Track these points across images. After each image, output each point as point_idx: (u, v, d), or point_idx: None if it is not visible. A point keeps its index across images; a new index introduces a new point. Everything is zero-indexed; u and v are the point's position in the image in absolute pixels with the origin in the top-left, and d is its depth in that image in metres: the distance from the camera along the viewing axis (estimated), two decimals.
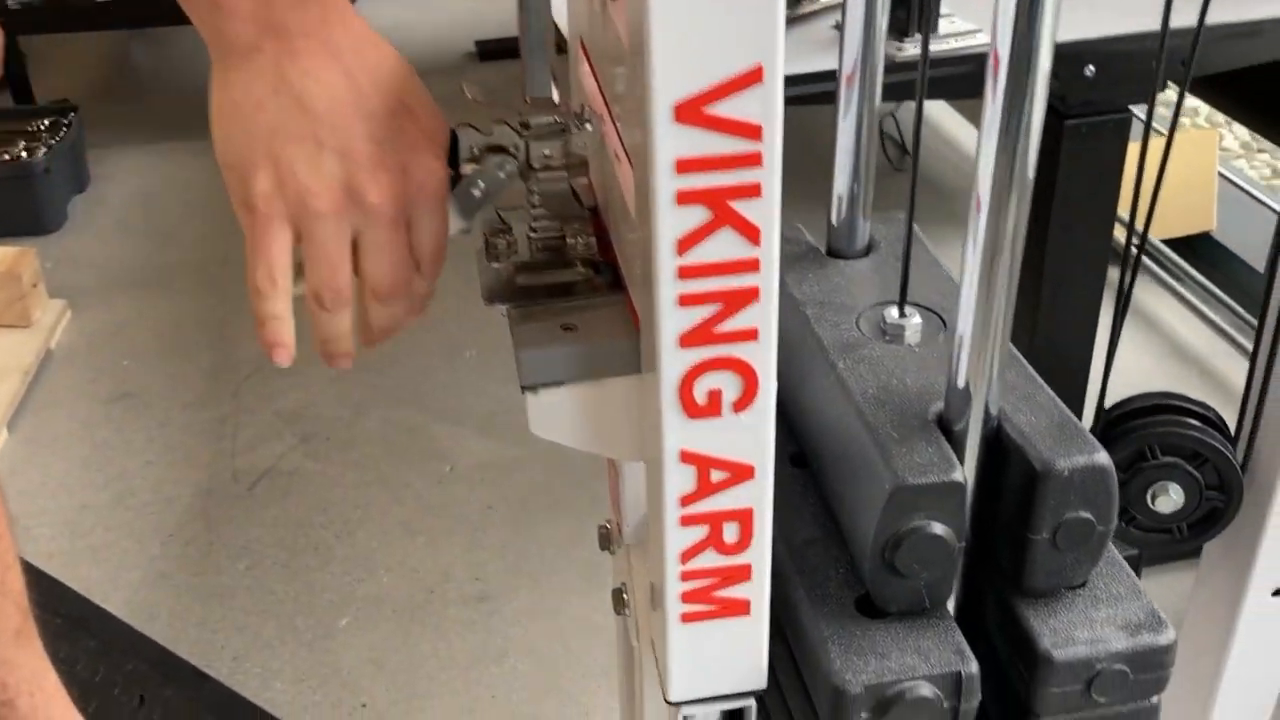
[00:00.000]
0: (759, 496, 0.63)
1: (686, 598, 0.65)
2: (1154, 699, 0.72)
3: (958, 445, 0.68)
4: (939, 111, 2.94)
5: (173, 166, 3.15)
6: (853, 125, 0.81)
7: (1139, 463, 0.90)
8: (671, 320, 0.56)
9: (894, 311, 0.79)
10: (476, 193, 0.66)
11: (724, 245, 0.55)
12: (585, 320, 0.67)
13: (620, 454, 0.70)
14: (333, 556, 1.82)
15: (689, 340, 0.57)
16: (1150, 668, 0.69)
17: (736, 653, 0.68)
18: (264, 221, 0.61)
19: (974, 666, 0.67)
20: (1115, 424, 0.91)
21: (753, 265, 0.55)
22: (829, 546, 0.75)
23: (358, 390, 2.22)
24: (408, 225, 0.63)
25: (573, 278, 0.70)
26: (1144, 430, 0.88)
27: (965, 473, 0.68)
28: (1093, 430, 0.91)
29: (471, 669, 1.60)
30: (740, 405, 0.59)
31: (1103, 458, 0.66)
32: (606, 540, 0.94)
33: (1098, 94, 1.27)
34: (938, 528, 0.66)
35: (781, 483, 0.80)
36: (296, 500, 1.94)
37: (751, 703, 0.72)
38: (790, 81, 0.52)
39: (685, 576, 0.65)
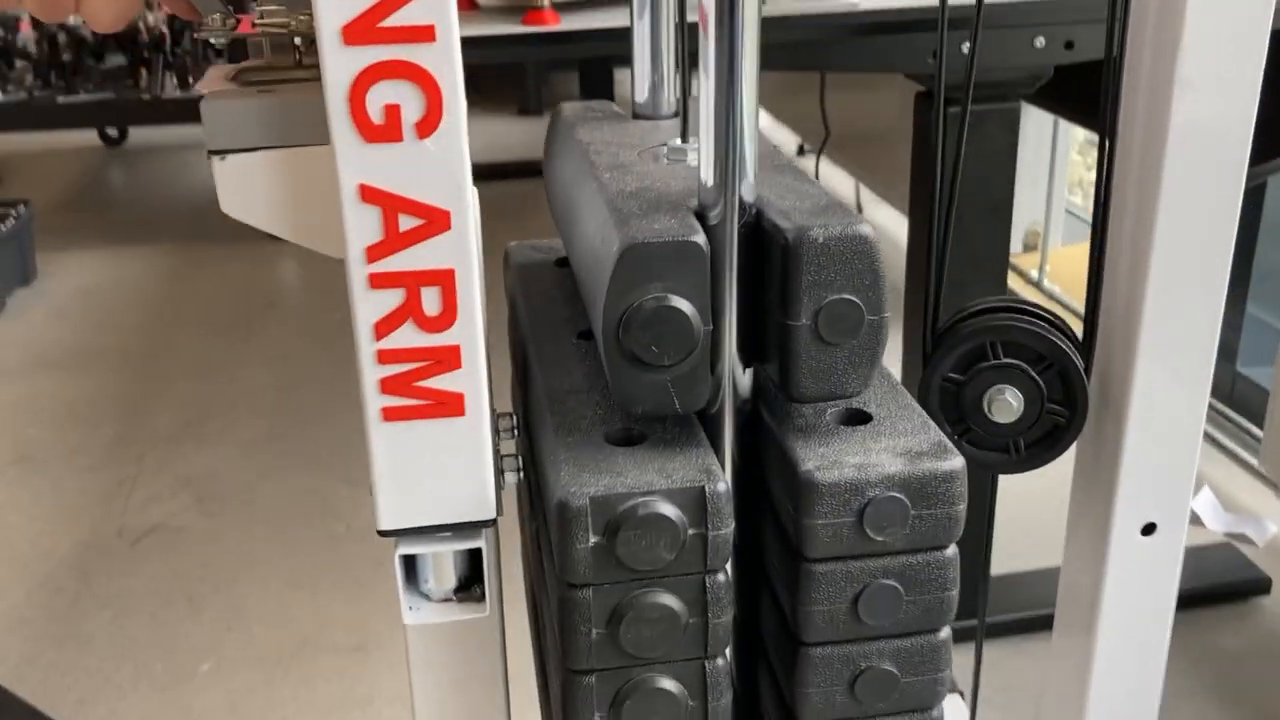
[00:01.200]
0: (461, 255, 0.55)
1: (386, 386, 0.57)
2: (947, 549, 0.62)
3: (713, 235, 0.60)
4: None
5: (120, 268, 3.15)
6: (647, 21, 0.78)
7: (977, 364, 0.82)
8: (330, 4, 0.50)
9: (678, 141, 0.72)
10: None
11: None
12: (288, 90, 0.61)
13: (319, 243, 0.63)
14: (205, 606, 1.70)
15: (354, 33, 0.51)
16: (933, 500, 0.60)
17: (455, 469, 0.60)
18: None
19: (722, 486, 0.58)
20: (957, 324, 0.83)
21: None
22: (591, 395, 0.67)
23: (267, 457, 2.13)
24: None
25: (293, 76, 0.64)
26: (984, 329, 0.81)
27: (723, 270, 0.60)
28: (932, 330, 0.84)
29: (332, 714, 1.47)
30: (425, 128, 0.53)
31: (865, 228, 0.59)
32: None
33: None
34: (675, 300, 0.58)
35: (563, 353, 0.73)
36: (179, 556, 1.83)
37: (481, 542, 0.63)
38: None
39: (382, 357, 0.57)
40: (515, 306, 0.84)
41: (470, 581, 0.66)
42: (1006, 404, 0.82)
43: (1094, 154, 3.57)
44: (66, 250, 3.25)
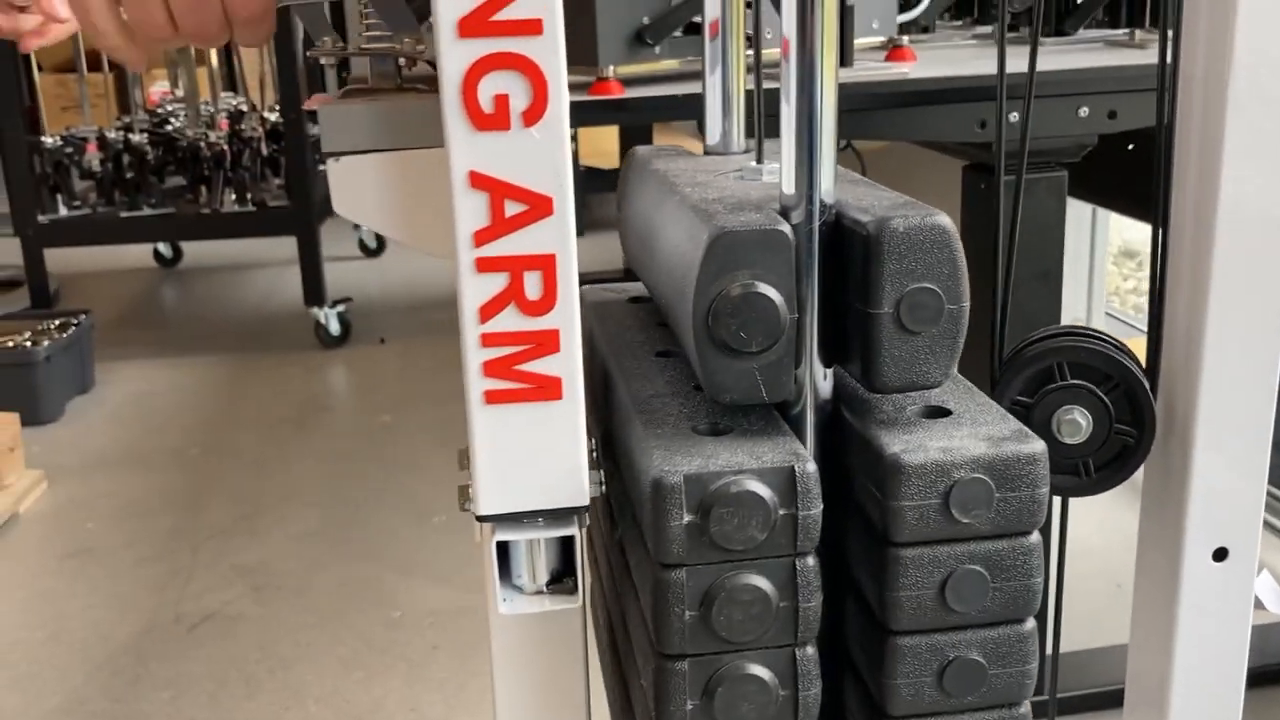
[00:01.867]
0: (561, 241, 0.59)
1: (489, 369, 0.60)
2: (1031, 535, 0.63)
3: (795, 232, 0.63)
4: None
5: (175, 376, 3.21)
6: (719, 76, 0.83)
7: (1045, 386, 0.83)
8: (448, 2, 0.54)
9: (753, 163, 0.76)
10: None
11: None
12: (396, 97, 0.65)
13: (420, 240, 0.66)
14: (262, 688, 1.70)
15: (468, 27, 0.55)
16: (1017, 482, 0.62)
17: (552, 453, 0.62)
18: None
19: (811, 467, 0.60)
20: (1023, 350, 0.85)
21: None
22: (675, 399, 0.70)
23: (319, 548, 2.15)
24: None
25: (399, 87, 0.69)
26: (1051, 351, 0.83)
27: (805, 262, 0.63)
28: (999, 356, 0.86)
29: None
30: (531, 117, 0.56)
31: (944, 219, 0.61)
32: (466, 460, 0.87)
33: None
34: (762, 286, 0.60)
35: (644, 368, 0.76)
36: (236, 640, 1.84)
37: (575, 529, 0.64)
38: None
39: (485, 340, 0.59)
40: (592, 338, 0.87)
41: (560, 574, 0.67)
42: (1075, 424, 0.83)
43: (1129, 265, 3.59)
44: (123, 361, 3.32)
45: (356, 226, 4.43)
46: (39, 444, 2.71)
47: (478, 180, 0.57)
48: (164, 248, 4.46)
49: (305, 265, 3.42)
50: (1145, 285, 3.47)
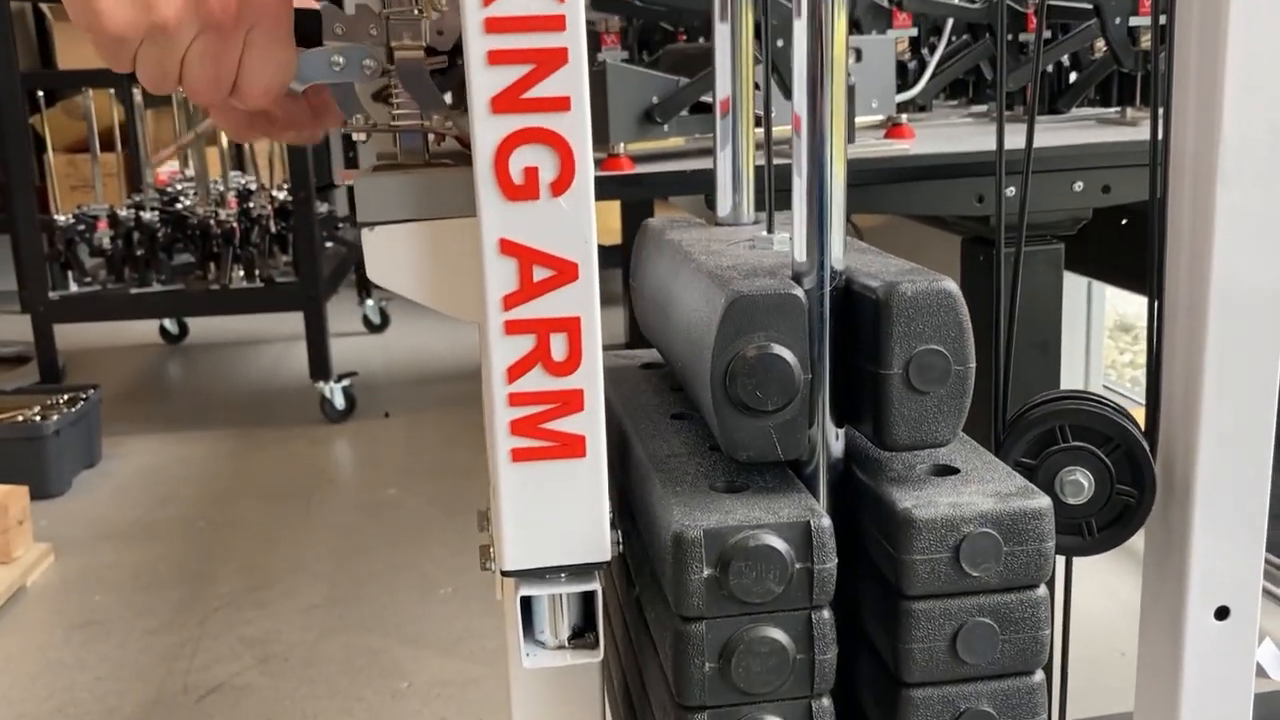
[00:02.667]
0: (586, 304, 0.62)
1: (516, 428, 0.63)
2: (1038, 588, 0.65)
3: (808, 297, 0.66)
4: None
5: (182, 450, 3.23)
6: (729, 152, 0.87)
7: (1048, 448, 0.86)
8: (482, 80, 0.58)
9: (764, 233, 0.79)
10: (336, 66, 0.70)
11: None
12: (429, 170, 0.69)
13: (452, 306, 0.69)
14: None
15: (500, 104, 0.58)
16: (1024, 536, 0.64)
17: (576, 509, 0.64)
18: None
19: (826, 521, 0.63)
20: (1026, 413, 0.88)
21: (558, 23, 0.58)
22: (692, 458, 0.72)
23: (326, 620, 2.15)
24: (245, 44, 0.65)
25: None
26: (1054, 414, 0.85)
27: (817, 326, 0.66)
28: (1002, 420, 0.89)
29: None
30: (558, 187, 0.60)
31: (950, 285, 0.64)
32: (485, 521, 0.89)
33: None
34: (778, 348, 0.63)
35: (660, 429, 0.79)
36: (244, 712, 1.84)
37: (597, 584, 0.66)
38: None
39: (513, 400, 0.62)
40: (608, 401, 0.89)
41: (580, 630, 0.69)
42: (1078, 484, 0.85)
43: (1124, 339, 3.62)
44: (130, 435, 3.34)
45: (361, 302, 4.49)
46: (46, 517, 2.72)
47: (508, 247, 0.60)
48: (170, 324, 4.50)
49: (311, 340, 3.45)
50: (1141, 359, 3.51)
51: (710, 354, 0.63)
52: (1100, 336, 3.19)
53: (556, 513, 0.64)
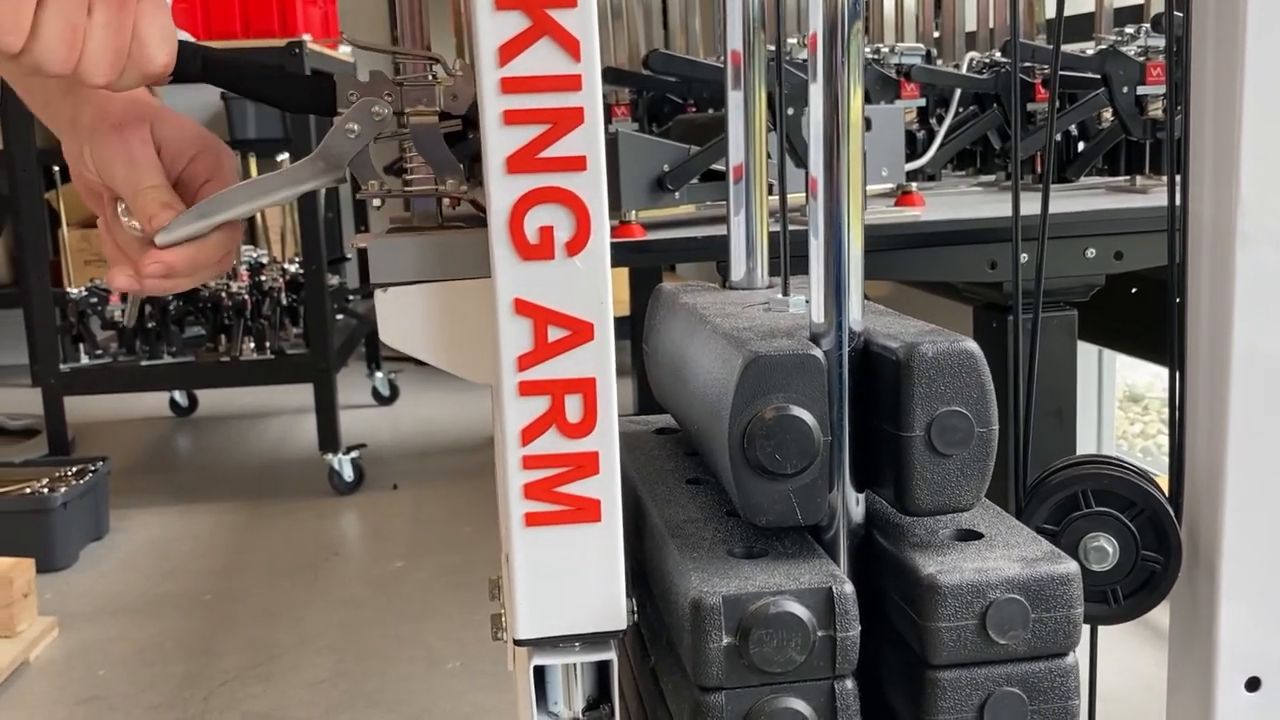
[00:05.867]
0: (601, 365, 0.61)
1: (530, 491, 0.61)
2: (1067, 656, 0.63)
3: (826, 359, 0.65)
4: None
5: (189, 523, 3.22)
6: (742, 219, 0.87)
7: (1070, 514, 0.84)
8: (498, 139, 0.58)
9: (778, 295, 0.79)
10: (352, 134, 0.70)
11: (545, 57, 0.57)
12: (442, 232, 0.68)
13: (465, 368, 0.68)
14: None
15: (516, 164, 0.58)
16: (1052, 602, 0.62)
17: (591, 576, 0.63)
18: None
19: (848, 588, 0.61)
20: (1046, 479, 0.86)
21: (574, 83, 0.58)
22: (709, 524, 0.71)
23: (332, 695, 2.12)
24: (137, 14, 0.62)
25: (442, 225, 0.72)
26: (1074, 476, 0.84)
27: (835, 387, 0.65)
28: (1023, 485, 0.87)
29: None
30: (574, 247, 0.59)
31: (971, 345, 0.63)
32: (497, 590, 0.87)
33: None
34: (796, 409, 0.62)
35: (675, 494, 0.77)
36: None
37: (612, 655, 0.65)
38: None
39: (527, 463, 0.61)
40: (623, 465, 0.88)
41: (596, 700, 0.67)
42: (1102, 550, 0.83)
43: (1134, 409, 3.59)
44: (138, 508, 3.32)
45: (370, 374, 4.49)
46: (52, 590, 2.69)
47: (522, 307, 0.59)
48: (180, 396, 4.50)
49: (321, 412, 3.45)
50: (1152, 429, 3.49)
51: (728, 416, 0.62)
52: (1112, 406, 3.17)
53: (571, 579, 0.62)
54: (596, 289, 0.60)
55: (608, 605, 0.63)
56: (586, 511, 0.62)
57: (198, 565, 2.88)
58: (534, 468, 0.61)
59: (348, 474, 3.40)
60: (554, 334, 0.60)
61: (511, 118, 0.57)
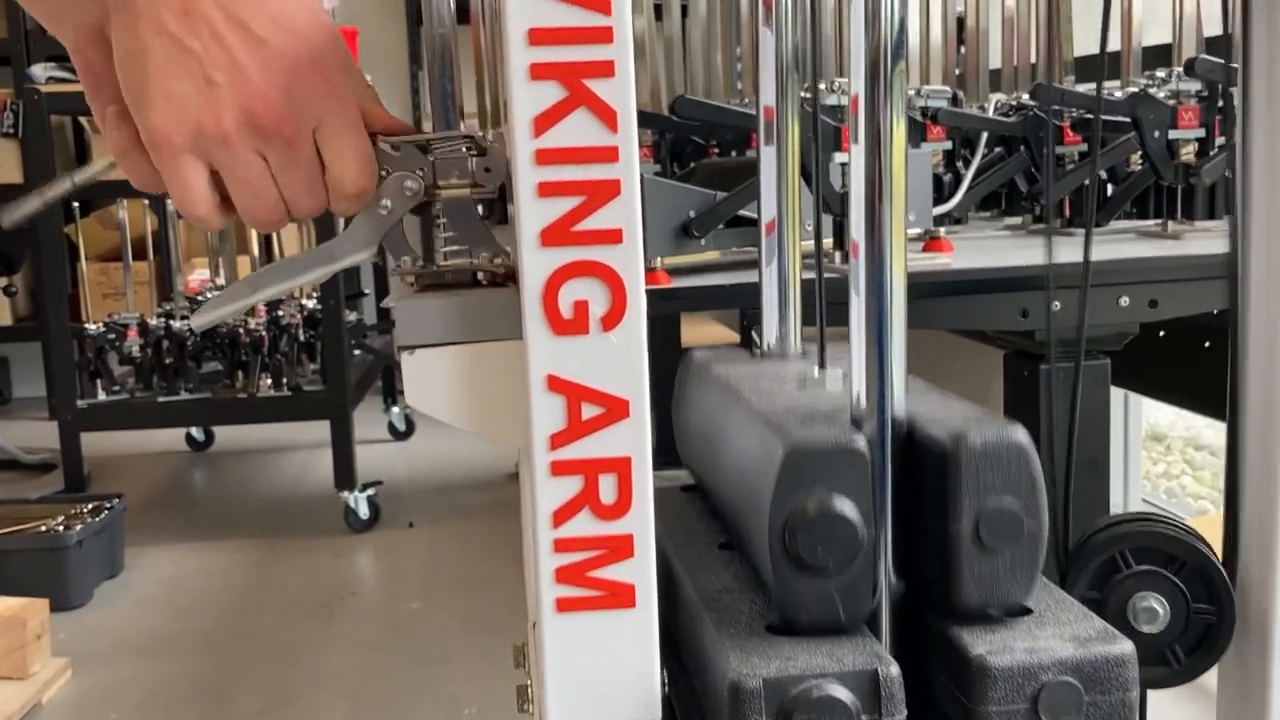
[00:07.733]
0: (637, 443, 0.59)
1: (561, 575, 0.59)
2: None
3: (870, 449, 0.63)
4: None
5: (204, 561, 3.20)
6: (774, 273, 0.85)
7: (1112, 576, 0.82)
8: (532, 211, 0.56)
9: (815, 370, 0.77)
10: (384, 210, 0.68)
11: (581, 128, 0.55)
12: (471, 292, 0.66)
13: (496, 433, 0.66)
14: None
15: (550, 237, 0.56)
16: (1107, 685, 0.60)
17: (625, 664, 0.60)
18: (168, 156, 0.62)
19: (895, 670, 0.59)
20: (1083, 545, 0.84)
21: (611, 154, 0.56)
22: (745, 594, 0.68)
23: None
24: (318, 145, 0.63)
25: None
26: (1111, 538, 0.81)
27: (879, 477, 0.63)
28: (1065, 549, 0.85)
29: None
30: (609, 322, 0.57)
31: (1021, 435, 0.61)
32: (523, 657, 0.85)
33: None
34: (840, 503, 0.60)
35: (708, 561, 0.75)
36: None
37: None
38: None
39: (559, 546, 0.59)
40: None
41: None
42: (1152, 610, 0.81)
43: (1157, 448, 3.55)
44: (153, 545, 3.31)
45: (386, 409, 4.47)
46: (65, 630, 2.67)
47: (555, 384, 0.57)
48: (197, 432, 4.49)
49: (337, 449, 3.43)
50: (1175, 469, 3.45)
51: (768, 507, 0.60)
52: (1137, 448, 3.13)
53: (603, 667, 0.60)
54: (632, 365, 0.58)
55: (641, 695, 0.61)
56: (620, 597, 0.59)
57: (212, 604, 2.86)
58: (566, 551, 0.59)
59: (363, 511, 3.38)
60: (588, 411, 0.58)
61: (546, 189, 0.56)
